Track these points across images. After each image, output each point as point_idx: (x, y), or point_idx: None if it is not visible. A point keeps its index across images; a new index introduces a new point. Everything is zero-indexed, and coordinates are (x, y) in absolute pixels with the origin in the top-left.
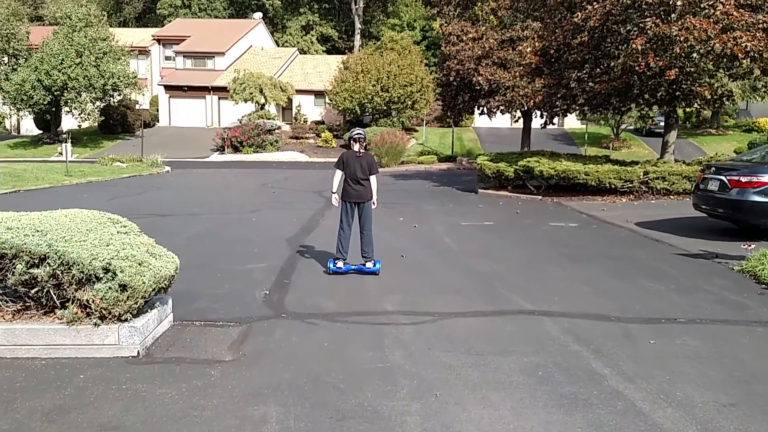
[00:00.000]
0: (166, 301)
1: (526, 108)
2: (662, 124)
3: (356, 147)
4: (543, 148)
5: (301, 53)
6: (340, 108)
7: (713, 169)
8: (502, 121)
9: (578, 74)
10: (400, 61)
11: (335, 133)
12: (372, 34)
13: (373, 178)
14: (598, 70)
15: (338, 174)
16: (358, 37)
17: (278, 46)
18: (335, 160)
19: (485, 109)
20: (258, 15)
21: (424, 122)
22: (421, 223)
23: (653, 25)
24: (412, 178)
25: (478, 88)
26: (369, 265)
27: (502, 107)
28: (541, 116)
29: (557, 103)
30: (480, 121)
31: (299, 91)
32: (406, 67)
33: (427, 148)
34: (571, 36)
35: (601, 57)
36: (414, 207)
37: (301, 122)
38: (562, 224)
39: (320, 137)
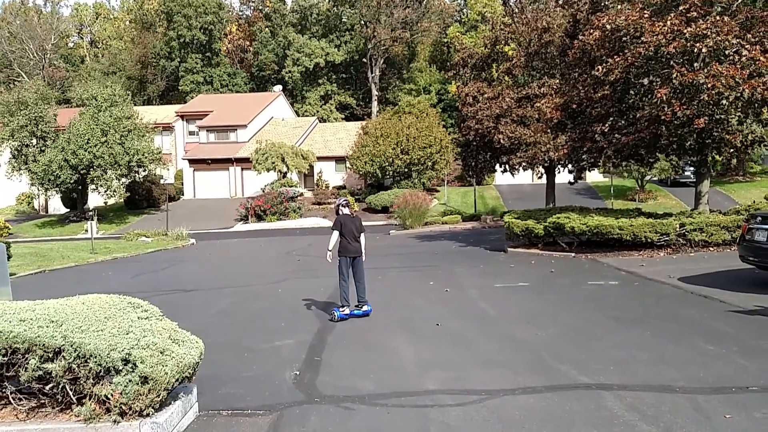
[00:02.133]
0: (190, 390)
1: (549, 163)
2: (687, 173)
3: (347, 211)
4: (569, 203)
5: (320, 121)
6: (360, 172)
7: (759, 218)
8: (524, 177)
9: (602, 127)
10: (419, 123)
11: (357, 197)
12: (388, 100)
13: (362, 237)
14: (623, 122)
15: (335, 235)
16: (375, 103)
17: (298, 116)
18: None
19: (507, 166)
20: (278, 88)
21: (445, 182)
22: (452, 287)
23: (678, 74)
24: (438, 239)
25: (498, 146)
26: (365, 308)
27: (524, 163)
28: (570, 171)
29: (584, 156)
30: (501, 178)
31: (320, 158)
32: (424, 129)
33: (449, 207)
34: (592, 90)
35: (626, 109)
36: (443, 269)
37: (323, 188)
38: (602, 283)
39: None
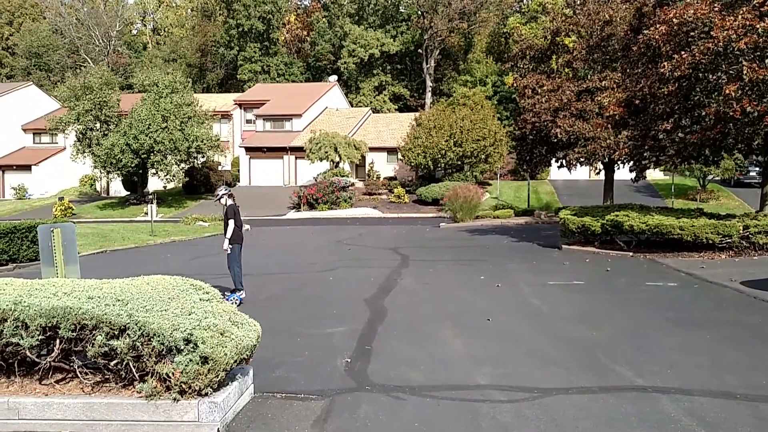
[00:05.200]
0: (247, 372)
1: (608, 160)
2: (752, 173)
3: (232, 201)
4: (626, 200)
5: (374, 112)
6: (412, 164)
7: None
8: (581, 173)
9: (666, 125)
10: (473, 116)
11: (408, 188)
12: (443, 92)
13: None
14: (687, 120)
15: (232, 223)
16: (429, 94)
17: (352, 106)
18: (408, 215)
19: (564, 162)
20: (333, 78)
21: (498, 176)
22: (503, 283)
23: (749, 70)
24: (489, 234)
25: (556, 140)
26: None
27: (582, 159)
28: (631, 170)
29: (645, 155)
30: (557, 173)
31: (372, 149)
32: (478, 121)
33: (501, 201)
34: (656, 86)
35: (691, 107)
36: (494, 264)
37: (374, 179)
38: (660, 284)
39: (393, 193)
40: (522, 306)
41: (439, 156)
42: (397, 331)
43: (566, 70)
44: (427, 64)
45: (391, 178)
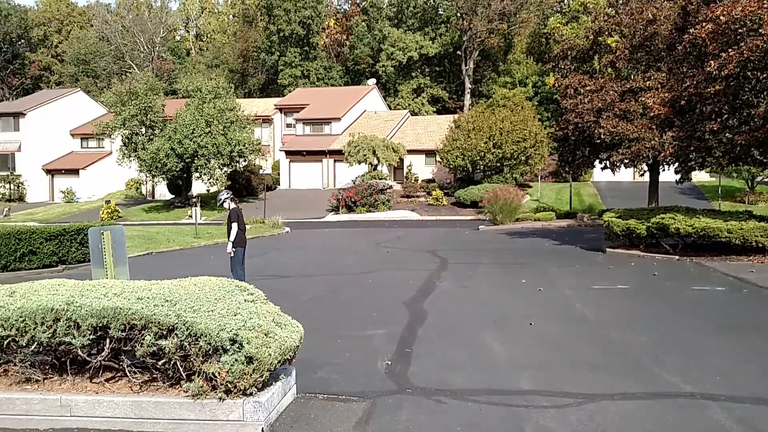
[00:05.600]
0: (290, 372)
1: (652, 161)
2: None
3: (234, 204)
4: (672, 203)
5: (412, 114)
6: (451, 166)
7: None
8: (624, 174)
9: (713, 125)
10: (513, 117)
11: (446, 190)
12: (482, 93)
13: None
14: (735, 120)
15: (236, 226)
16: (468, 96)
17: (390, 109)
18: (446, 218)
19: (607, 163)
20: (372, 81)
21: (539, 177)
22: (546, 286)
23: None
24: (530, 236)
25: (599, 141)
26: None
27: (626, 160)
28: (676, 171)
29: (691, 156)
30: (599, 175)
31: (410, 151)
32: (518, 122)
33: (542, 204)
34: (703, 85)
35: (739, 106)
36: (536, 268)
37: (412, 181)
38: (708, 288)
39: (431, 195)
40: (565, 310)
41: (478, 158)
42: (437, 334)
43: (609, 70)
44: (466, 65)
45: (429, 181)
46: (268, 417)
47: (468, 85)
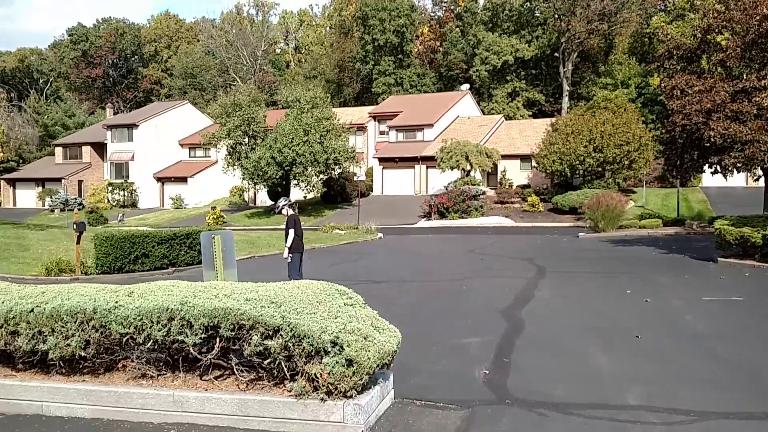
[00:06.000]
0: (387, 377)
1: None
2: None
3: (293, 211)
4: None
5: (506, 119)
6: (547, 171)
7: None
8: (737, 179)
9: None
10: (615, 119)
11: (542, 196)
12: (581, 95)
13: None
14: None
15: (293, 233)
16: (566, 99)
17: (484, 113)
18: (542, 224)
19: (718, 167)
20: (465, 86)
21: (644, 183)
22: (653, 297)
23: None
24: (635, 244)
25: (708, 144)
26: None
27: (739, 165)
28: None
29: None
30: (709, 180)
31: (504, 156)
32: (621, 125)
33: (647, 210)
34: None
35: None
36: (641, 277)
37: (506, 187)
38: None
39: (526, 201)
40: (674, 322)
41: (577, 162)
42: (537, 344)
43: (719, 69)
44: (564, 67)
45: (524, 186)
46: (367, 420)
47: (566, 87)
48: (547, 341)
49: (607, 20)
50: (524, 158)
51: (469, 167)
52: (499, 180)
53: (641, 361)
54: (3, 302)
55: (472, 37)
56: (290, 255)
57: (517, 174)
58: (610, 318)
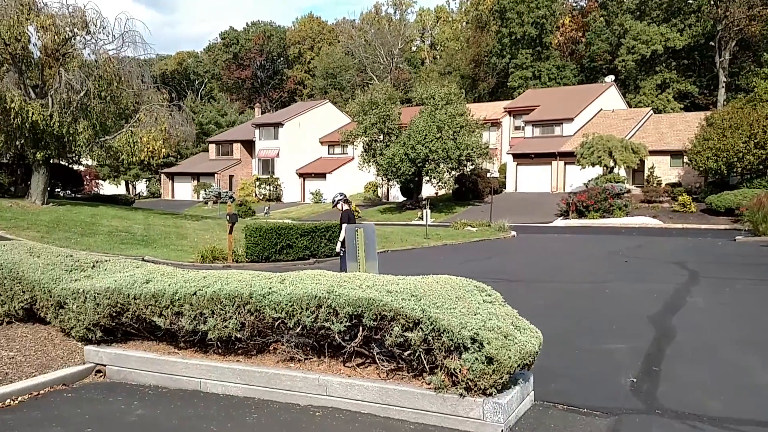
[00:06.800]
0: (528, 378)
1: None
2: None
3: (347, 207)
4: None
5: (655, 112)
6: (701, 168)
7: None
8: None
9: None
10: None
11: (694, 195)
12: (740, 87)
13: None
14: None
15: (345, 227)
16: (722, 91)
17: (630, 107)
18: (694, 226)
19: None
20: (610, 78)
21: None
22: None
23: None
24: None
25: None
26: None
27: None
28: None
29: None
30: None
31: (652, 152)
32: None
33: None
34: None
35: None
36: None
37: (654, 185)
38: None
39: (676, 201)
40: None
41: (735, 159)
42: (690, 354)
43: None
44: (720, 57)
45: (674, 185)
46: (507, 420)
47: (722, 78)
48: (702, 352)
49: None
50: (674, 154)
51: (612, 163)
52: (645, 177)
53: None
54: (170, 285)
55: (618, 27)
56: (343, 249)
57: (666, 171)
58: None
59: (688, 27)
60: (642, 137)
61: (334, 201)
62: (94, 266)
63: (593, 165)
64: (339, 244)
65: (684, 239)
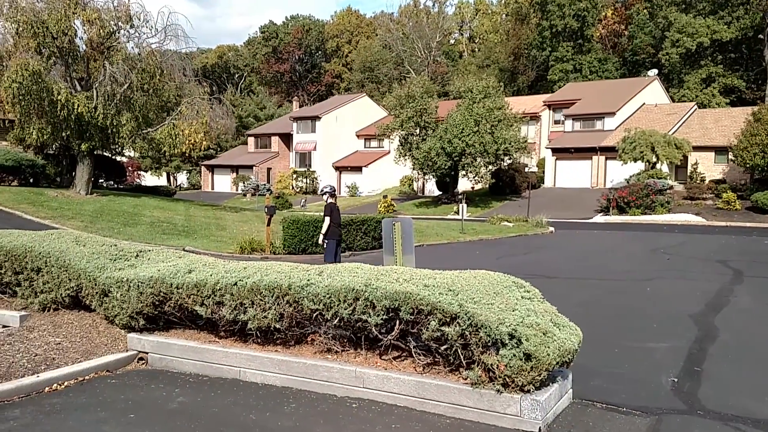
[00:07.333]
0: (566, 375)
1: None
2: None
3: (333, 199)
4: None
5: (699, 107)
6: (747, 165)
7: None
8: None
9: None
10: None
11: (740, 193)
12: None
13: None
14: None
15: (328, 220)
16: None
17: (673, 101)
18: (739, 224)
19: None
20: (653, 72)
21: None
22: None
23: None
24: None
25: None
26: None
27: None
28: None
29: None
30: None
31: (696, 148)
32: None
33: None
34: None
35: None
36: None
37: (698, 181)
38: None
39: (720, 198)
40: None
41: None
42: (734, 355)
43: None
44: None
45: (718, 182)
46: (545, 417)
47: None
48: (746, 353)
49: None
50: (719, 150)
51: (654, 159)
52: (689, 174)
53: None
54: (211, 275)
55: (662, 19)
56: (325, 240)
57: (710, 168)
58: None
59: (735, 19)
60: (686, 133)
61: (321, 191)
62: (137, 256)
63: (635, 160)
64: (321, 236)
65: (728, 237)
